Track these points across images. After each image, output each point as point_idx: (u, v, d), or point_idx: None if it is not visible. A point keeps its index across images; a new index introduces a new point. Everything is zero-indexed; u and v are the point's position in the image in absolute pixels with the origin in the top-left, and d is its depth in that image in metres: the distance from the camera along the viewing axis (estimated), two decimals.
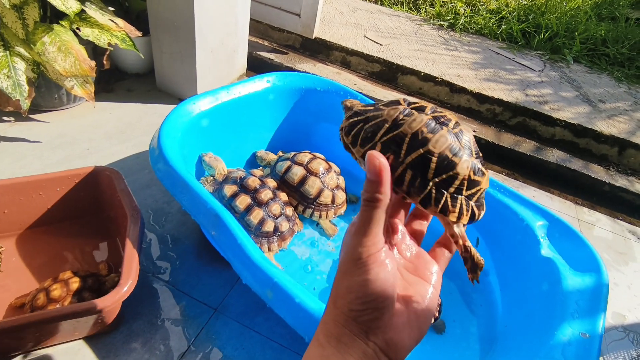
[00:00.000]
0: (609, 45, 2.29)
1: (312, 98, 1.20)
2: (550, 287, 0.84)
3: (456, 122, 0.32)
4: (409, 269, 0.34)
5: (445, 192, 0.31)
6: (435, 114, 0.32)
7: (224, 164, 1.01)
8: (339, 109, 1.31)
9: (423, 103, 0.33)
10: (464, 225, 0.34)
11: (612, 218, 1.48)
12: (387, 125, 0.32)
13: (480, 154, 0.33)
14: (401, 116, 0.32)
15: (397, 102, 0.34)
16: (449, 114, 0.33)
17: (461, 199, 0.32)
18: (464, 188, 0.32)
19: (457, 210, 0.32)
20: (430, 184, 0.31)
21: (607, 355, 1.01)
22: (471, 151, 0.32)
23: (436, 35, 2.23)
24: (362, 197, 0.30)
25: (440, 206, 0.31)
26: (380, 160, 0.29)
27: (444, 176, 0.31)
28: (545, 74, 2.03)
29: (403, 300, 0.31)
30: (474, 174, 0.32)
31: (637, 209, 1.55)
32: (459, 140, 0.31)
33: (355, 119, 0.34)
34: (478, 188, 0.32)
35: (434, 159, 0.30)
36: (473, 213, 0.32)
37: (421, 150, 0.30)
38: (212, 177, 1.01)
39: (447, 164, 0.31)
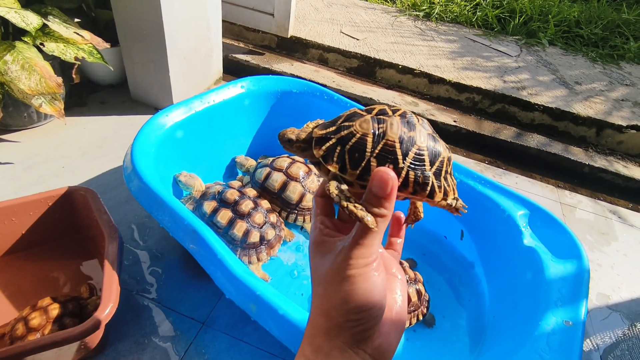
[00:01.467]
0: (582, 26, 2.31)
1: (288, 100, 1.19)
2: (533, 276, 0.85)
3: (413, 114, 0.34)
4: None
5: (440, 177, 0.33)
6: (398, 112, 0.33)
7: (200, 180, 1.00)
8: (317, 110, 1.30)
9: (380, 107, 0.34)
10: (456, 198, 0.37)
11: (593, 199, 1.50)
12: (369, 139, 0.31)
13: None
14: (376, 125, 0.32)
15: (357, 114, 0.33)
16: (402, 108, 0.34)
17: (449, 177, 0.34)
18: (448, 167, 0.34)
19: (451, 188, 0.34)
20: (431, 175, 0.32)
21: (593, 336, 1.03)
22: (435, 133, 0.34)
23: (412, 26, 2.23)
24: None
25: (442, 191, 0.34)
26: (391, 176, 0.29)
27: (437, 164, 0.33)
28: (522, 59, 2.04)
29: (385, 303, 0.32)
30: (448, 151, 0.34)
31: (616, 188, 1.58)
32: (427, 129, 0.33)
33: (327, 144, 0.33)
34: (451, 162, 0.35)
35: (426, 153, 0.32)
36: (455, 184, 0.36)
37: (414, 149, 0.32)
38: (190, 196, 0.99)
39: (435, 153, 0.33)
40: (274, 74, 1.78)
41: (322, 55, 1.91)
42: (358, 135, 0.31)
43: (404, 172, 0.31)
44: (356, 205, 0.30)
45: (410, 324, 0.88)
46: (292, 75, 1.77)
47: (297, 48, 1.93)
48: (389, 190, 0.29)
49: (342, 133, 0.32)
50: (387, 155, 0.31)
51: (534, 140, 1.65)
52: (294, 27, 1.93)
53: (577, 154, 1.62)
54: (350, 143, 0.31)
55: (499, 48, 2.11)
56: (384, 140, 0.31)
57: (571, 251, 0.86)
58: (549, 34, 2.26)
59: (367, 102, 1.71)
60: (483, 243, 1.02)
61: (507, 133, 1.67)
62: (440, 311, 0.97)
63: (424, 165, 0.32)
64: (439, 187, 0.33)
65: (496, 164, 1.61)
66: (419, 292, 0.89)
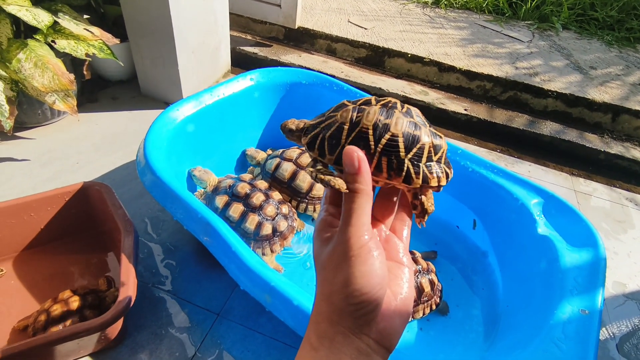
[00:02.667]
0: (597, 8, 2.25)
1: (298, 92, 1.19)
2: (548, 265, 0.84)
3: (401, 104, 0.35)
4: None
5: (420, 164, 0.34)
6: (382, 102, 0.34)
7: (214, 175, 1.00)
8: (327, 101, 1.30)
9: (367, 98, 0.35)
10: (441, 186, 0.37)
11: (609, 186, 1.47)
12: (346, 127, 0.34)
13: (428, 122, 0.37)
14: (355, 114, 0.34)
15: (343, 105, 0.35)
16: (392, 99, 0.35)
17: (433, 164, 0.35)
18: (433, 155, 0.34)
19: (435, 175, 0.35)
20: (406, 161, 0.33)
21: (609, 324, 1.02)
22: (424, 122, 0.35)
23: (421, 13, 2.19)
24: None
25: (421, 178, 0.34)
26: (356, 152, 0.31)
27: (415, 150, 0.33)
28: (535, 45, 2.00)
29: (389, 288, 0.32)
30: (434, 139, 0.35)
31: (633, 175, 1.54)
32: (411, 117, 0.34)
33: (312, 133, 0.35)
34: (442, 150, 0.35)
35: (401, 139, 0.33)
36: (447, 173, 0.36)
37: (387, 135, 0.33)
38: (203, 191, 1.00)
39: (412, 139, 0.33)
40: (282, 65, 1.78)
41: (330, 45, 1.90)
42: (337, 124, 0.34)
43: (376, 157, 0.33)
44: (325, 172, 0.32)
45: (424, 313, 0.88)
46: (300, 67, 1.76)
47: (304, 39, 1.92)
48: (357, 164, 0.31)
49: (326, 122, 0.35)
50: (359, 142, 0.33)
51: (547, 128, 1.62)
52: (301, 18, 1.91)
53: (593, 141, 1.59)
54: (330, 131, 0.34)
55: (510, 34, 2.06)
56: (358, 128, 0.33)
57: (587, 239, 0.85)
58: (562, 18, 2.21)
59: (376, 92, 1.69)
60: (496, 232, 1.02)
61: (519, 121, 1.65)
62: (453, 301, 0.96)
63: (398, 150, 0.33)
64: (416, 173, 0.33)
65: (508, 152, 1.59)
66: (432, 282, 0.89)
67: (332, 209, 0.35)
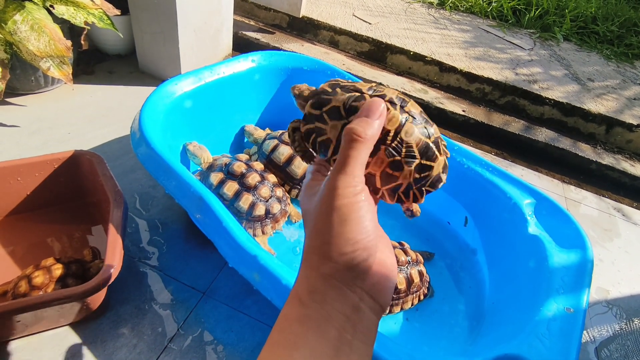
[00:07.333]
0: (598, 23, 2.28)
1: (299, 78, 1.17)
2: (536, 264, 0.85)
3: (401, 100, 0.33)
4: None
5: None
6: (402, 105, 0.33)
7: (208, 152, 0.99)
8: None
9: (358, 88, 0.34)
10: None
11: (598, 196, 1.49)
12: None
13: (436, 133, 0.35)
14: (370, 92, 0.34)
15: (335, 93, 0.35)
16: (387, 93, 0.34)
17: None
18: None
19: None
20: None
21: (591, 328, 1.03)
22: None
23: (426, 13, 2.19)
24: (347, 135, 0.29)
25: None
26: (383, 103, 0.31)
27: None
28: (535, 53, 2.01)
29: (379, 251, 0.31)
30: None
31: (622, 187, 1.57)
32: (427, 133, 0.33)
33: (308, 126, 0.37)
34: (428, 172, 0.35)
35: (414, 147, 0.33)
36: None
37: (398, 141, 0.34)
38: (199, 172, 0.98)
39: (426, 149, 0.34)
40: None
41: (333, 37, 1.89)
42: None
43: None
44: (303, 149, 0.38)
45: (412, 304, 0.88)
46: None
47: (308, 29, 1.90)
48: (380, 114, 0.30)
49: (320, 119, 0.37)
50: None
51: (543, 135, 1.64)
52: (306, 7, 1.90)
53: (585, 151, 1.61)
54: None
55: (512, 40, 2.08)
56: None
57: (576, 241, 0.86)
58: (564, 29, 2.23)
59: None
60: (487, 230, 1.02)
61: (515, 126, 1.66)
62: (440, 295, 0.97)
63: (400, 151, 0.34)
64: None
65: (503, 155, 1.60)
66: (420, 273, 0.89)
67: (319, 176, 0.34)
